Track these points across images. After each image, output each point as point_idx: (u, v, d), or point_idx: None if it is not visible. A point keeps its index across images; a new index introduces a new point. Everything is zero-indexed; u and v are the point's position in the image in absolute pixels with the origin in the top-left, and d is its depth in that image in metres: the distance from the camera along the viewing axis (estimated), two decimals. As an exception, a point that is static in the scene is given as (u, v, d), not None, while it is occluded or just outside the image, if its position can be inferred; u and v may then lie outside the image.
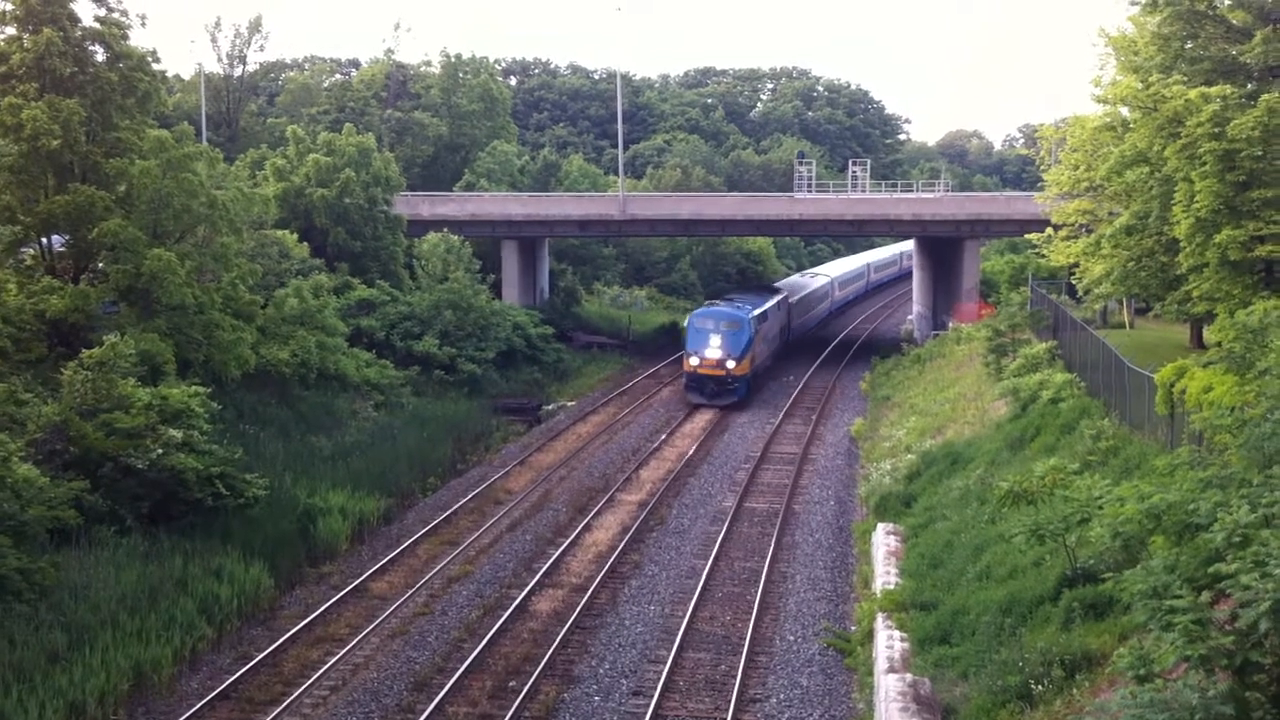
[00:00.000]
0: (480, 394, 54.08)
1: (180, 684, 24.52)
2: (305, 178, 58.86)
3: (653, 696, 23.76)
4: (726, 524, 35.69)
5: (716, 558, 32.62)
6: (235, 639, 26.97)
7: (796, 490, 40.04)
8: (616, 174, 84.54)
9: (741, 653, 25.97)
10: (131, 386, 31.76)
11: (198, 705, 23.22)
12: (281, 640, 26.39)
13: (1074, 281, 44.75)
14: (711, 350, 53.38)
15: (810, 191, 76.09)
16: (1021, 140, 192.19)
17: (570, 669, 25.40)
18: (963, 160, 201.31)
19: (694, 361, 53.75)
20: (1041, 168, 49.14)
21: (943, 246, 71.37)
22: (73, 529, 27.16)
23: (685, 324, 55.83)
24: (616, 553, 32.89)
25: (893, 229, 76.32)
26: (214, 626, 26.78)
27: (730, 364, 53.34)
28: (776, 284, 75.52)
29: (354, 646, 26.26)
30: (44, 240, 39.16)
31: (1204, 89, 33.11)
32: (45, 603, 24.49)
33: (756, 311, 57.37)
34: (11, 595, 23.93)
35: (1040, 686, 18.83)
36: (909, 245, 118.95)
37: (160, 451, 30.10)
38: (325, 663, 25.38)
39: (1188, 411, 23.72)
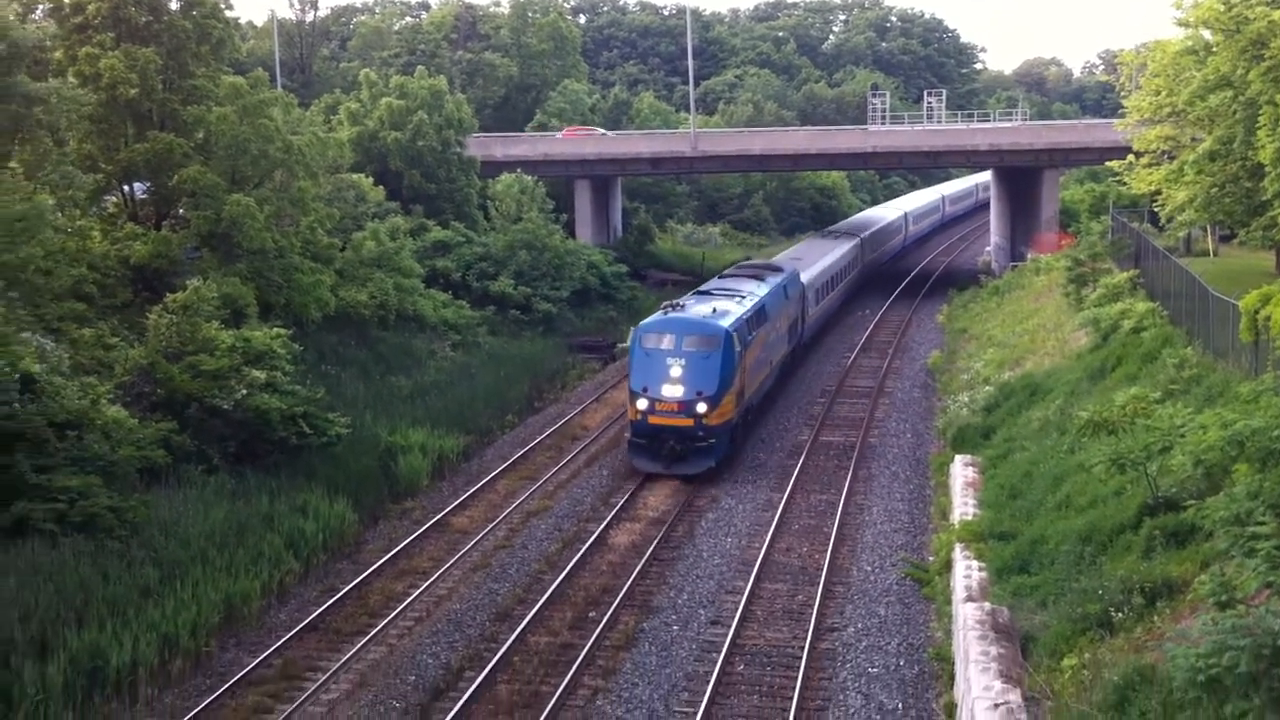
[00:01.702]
0: (555, 333, 54.42)
1: (269, 616, 25.19)
2: (379, 121, 59.26)
3: (731, 625, 24.01)
4: (802, 457, 35.74)
5: (793, 491, 32.72)
6: (321, 573, 27.59)
7: (873, 423, 39.94)
8: (688, 111, 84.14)
9: (819, 583, 26.13)
10: (215, 329, 32.36)
11: (286, 636, 23.86)
12: (366, 574, 26.96)
13: (1156, 209, 43.93)
14: (670, 385, 33.59)
15: (884, 124, 75.17)
16: (1101, 67, 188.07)
17: (649, 599, 25.71)
18: (1041, 89, 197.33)
19: (642, 404, 33.77)
20: (1122, 94, 48.06)
21: (1021, 177, 70.25)
22: (162, 468, 27.86)
23: (629, 340, 37.55)
24: (693, 487, 33.11)
25: (969, 160, 75.28)
26: (300, 561, 27.40)
27: (701, 407, 33.44)
28: (776, 260, 52.04)
29: (437, 579, 26.78)
30: (126, 188, 39.88)
31: (1289, 8, 32.22)
32: (137, 540, 25.16)
33: (744, 313, 37.07)
34: (104, 533, 24.64)
35: (1120, 614, 18.75)
36: (951, 187, 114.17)
37: (244, 392, 30.71)
38: (409, 595, 25.91)
39: (1272, 338, 23.30)
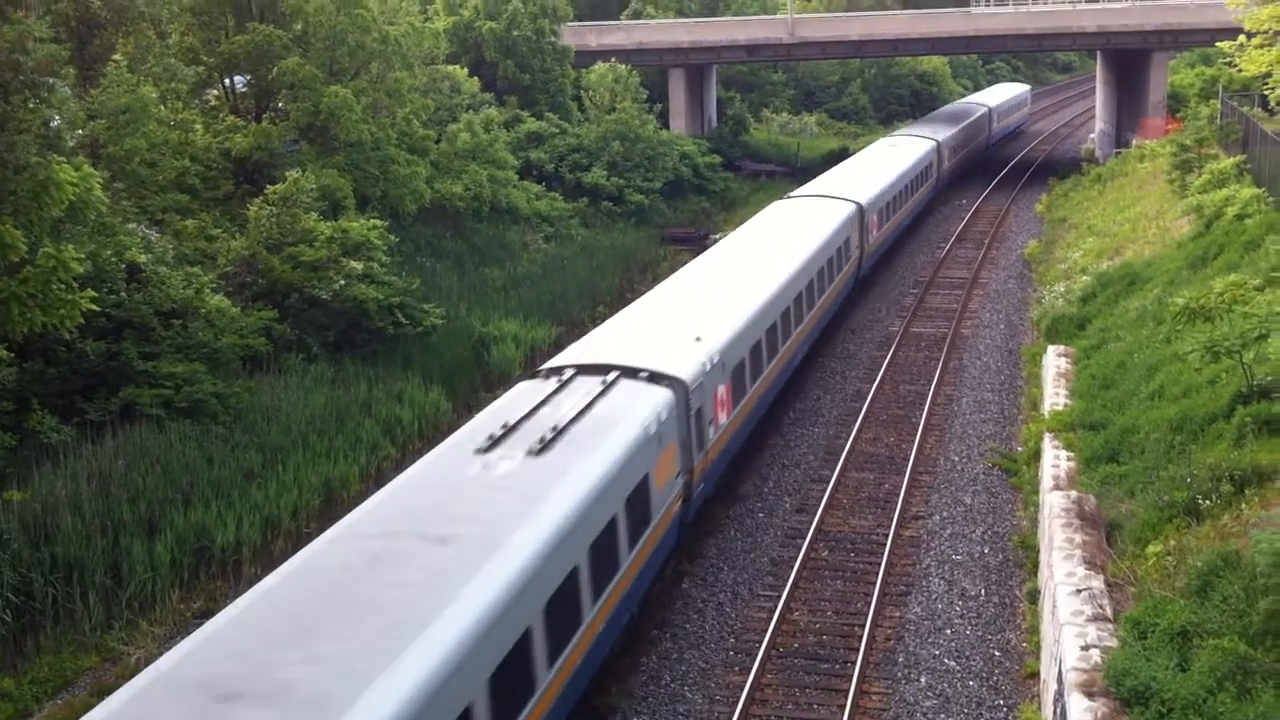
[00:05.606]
0: (648, 224, 54.43)
1: (367, 500, 25.89)
2: (474, 11, 59.17)
3: (815, 513, 24.27)
4: (893, 349, 35.62)
5: (881, 382, 32.69)
6: (416, 458, 28.21)
7: (965, 314, 39.58)
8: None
9: (905, 472, 26.23)
10: (314, 221, 33.00)
11: (385, 518, 24.60)
12: (461, 459, 27.54)
13: (1267, 93, 42.40)
14: None
15: (987, 6, 73.03)
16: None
17: (736, 488, 26.02)
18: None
19: None
20: (1236, -29, 46.12)
21: (1128, 59, 68.12)
22: (263, 356, 28.74)
23: None
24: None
25: (1075, 43, 72.90)
26: (397, 446, 28.20)
27: None
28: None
29: (529, 465, 27.24)
30: (226, 81, 40.47)
31: None
32: (240, 425, 26.08)
33: None
34: (209, 418, 25.57)
35: (1208, 502, 18.59)
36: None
37: (343, 282, 31.41)
38: (502, 480, 26.46)
39: (1380, 224, 22.64)
